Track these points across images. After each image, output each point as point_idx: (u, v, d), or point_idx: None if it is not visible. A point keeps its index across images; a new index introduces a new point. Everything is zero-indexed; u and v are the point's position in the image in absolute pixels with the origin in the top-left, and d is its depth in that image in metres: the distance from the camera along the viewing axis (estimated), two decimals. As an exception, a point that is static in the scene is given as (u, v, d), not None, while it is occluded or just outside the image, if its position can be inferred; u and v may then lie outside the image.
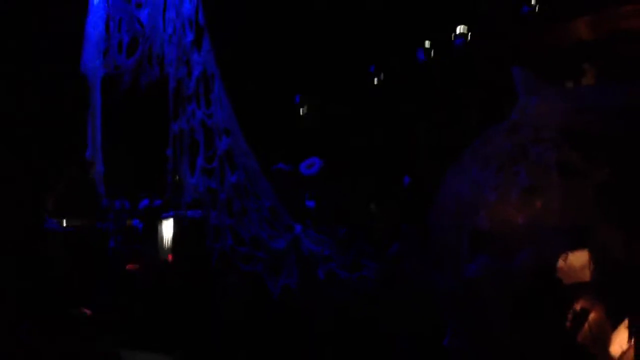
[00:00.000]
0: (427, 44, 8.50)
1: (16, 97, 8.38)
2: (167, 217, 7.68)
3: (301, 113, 9.67)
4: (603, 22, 7.20)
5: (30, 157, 8.08)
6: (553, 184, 5.50)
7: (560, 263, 5.28)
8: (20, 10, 8.42)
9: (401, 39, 8.40)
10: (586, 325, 4.92)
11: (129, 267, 7.49)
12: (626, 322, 4.79)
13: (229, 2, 8.39)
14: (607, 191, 5.26)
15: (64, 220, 7.24)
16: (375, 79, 8.66)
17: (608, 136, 5.37)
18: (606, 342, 4.89)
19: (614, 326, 4.87)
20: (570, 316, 4.96)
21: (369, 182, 8.24)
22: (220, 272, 7.57)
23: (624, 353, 4.78)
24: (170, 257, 7.72)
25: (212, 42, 7.83)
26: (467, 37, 8.32)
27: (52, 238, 7.15)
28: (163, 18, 7.90)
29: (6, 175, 7.63)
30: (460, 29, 8.09)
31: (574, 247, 5.33)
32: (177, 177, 7.69)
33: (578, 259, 5.22)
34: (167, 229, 7.63)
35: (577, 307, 4.95)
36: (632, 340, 4.79)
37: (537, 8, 7.80)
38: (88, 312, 5.80)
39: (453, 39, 8.36)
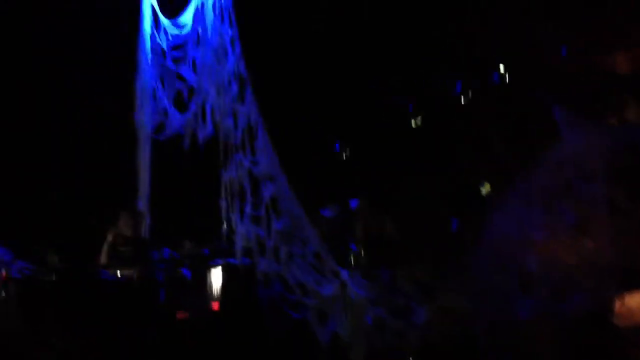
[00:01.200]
0: (501, 67, 8.32)
1: (70, 150, 8.76)
2: (215, 266, 7.80)
3: (344, 157, 9.77)
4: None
5: (84, 208, 8.40)
6: (602, 223, 5.41)
7: (618, 305, 5.15)
8: (73, 64, 8.87)
9: (437, 76, 8.44)
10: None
11: (179, 315, 7.59)
12: None
13: (269, 54, 8.63)
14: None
15: (117, 271, 7.42)
16: (413, 120, 8.71)
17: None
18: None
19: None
20: (633, 361, 4.80)
21: (414, 223, 8.21)
22: (270, 320, 7.61)
23: None
24: (217, 306, 7.80)
25: (254, 92, 8.05)
26: (506, 75, 8.32)
27: (105, 288, 7.35)
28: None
29: (60, 222, 7.95)
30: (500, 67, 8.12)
31: (629, 288, 5.20)
32: (227, 226, 7.83)
33: (635, 301, 5.08)
34: (216, 277, 7.74)
35: (637, 352, 4.79)
36: None
37: (577, 44, 7.78)
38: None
39: (492, 76, 8.36)
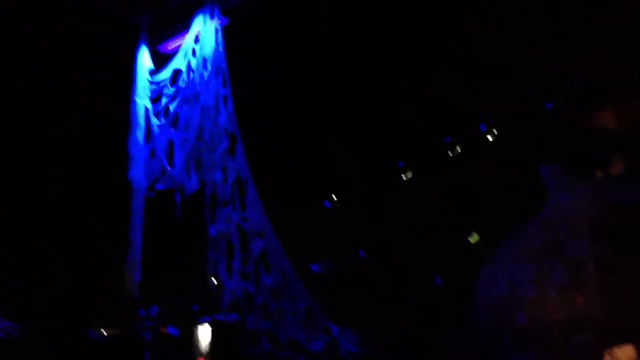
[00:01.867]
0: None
1: (62, 205, 8.70)
2: (203, 323, 7.71)
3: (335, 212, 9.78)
4: (627, 113, 7.30)
5: (72, 266, 8.30)
6: (591, 280, 5.48)
7: (608, 359, 5.18)
8: (68, 124, 8.90)
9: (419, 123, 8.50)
10: None
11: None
12: None
13: (259, 111, 8.72)
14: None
15: (104, 330, 7.32)
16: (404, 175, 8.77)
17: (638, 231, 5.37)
18: None
19: None
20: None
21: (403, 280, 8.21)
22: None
23: None
24: (205, 363, 7.68)
25: (245, 148, 8.10)
26: (493, 131, 8.44)
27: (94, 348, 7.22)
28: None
29: (49, 281, 7.83)
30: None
31: (618, 342, 5.23)
32: (214, 281, 7.76)
33: (624, 354, 5.12)
34: (204, 334, 7.64)
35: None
36: None
37: (561, 103, 7.95)
38: None
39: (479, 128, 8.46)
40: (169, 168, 8.44)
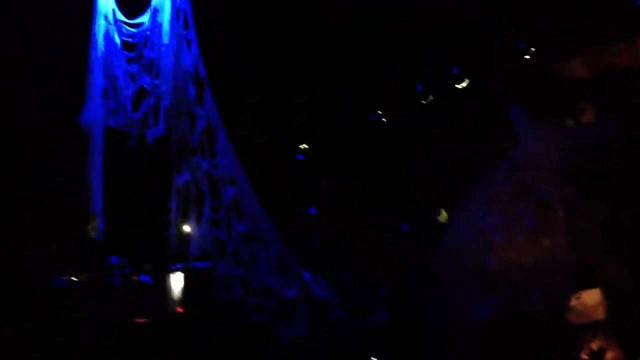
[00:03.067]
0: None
1: (17, 150, 8.47)
2: (175, 270, 7.67)
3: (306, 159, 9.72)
4: (596, 60, 7.31)
5: (33, 214, 8.13)
6: (558, 223, 5.54)
7: (574, 303, 5.27)
8: (21, 59, 8.58)
9: (395, 81, 8.44)
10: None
11: (137, 320, 7.46)
12: None
13: (230, 54, 8.52)
14: (608, 227, 5.29)
15: (71, 277, 7.24)
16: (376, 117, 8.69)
17: (605, 173, 5.42)
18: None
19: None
20: (586, 357, 4.91)
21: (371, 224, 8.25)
22: (229, 322, 7.53)
23: None
24: (179, 310, 7.69)
25: (214, 94, 7.93)
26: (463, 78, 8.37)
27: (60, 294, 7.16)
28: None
29: (10, 232, 7.68)
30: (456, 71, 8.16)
31: (585, 286, 5.33)
32: (184, 229, 7.69)
33: (591, 298, 5.23)
34: (176, 281, 7.62)
35: (594, 346, 4.91)
36: None
37: (532, 48, 7.89)
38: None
39: (446, 78, 8.39)
40: (130, 110, 8.20)
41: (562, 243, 5.54)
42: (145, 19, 8.28)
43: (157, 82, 7.93)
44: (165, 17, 7.79)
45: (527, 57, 7.64)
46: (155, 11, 7.95)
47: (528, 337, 5.50)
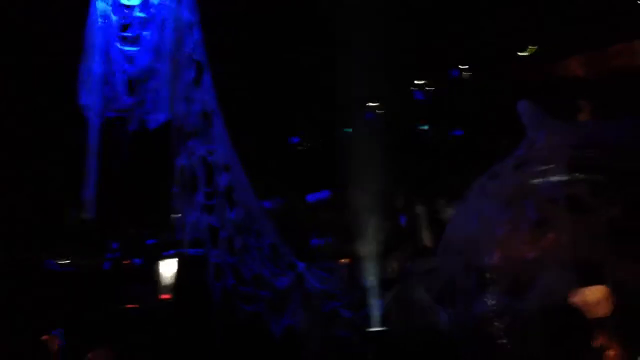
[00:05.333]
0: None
1: (15, 135, 8.29)
2: (168, 256, 7.54)
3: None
4: (595, 61, 7.34)
5: (29, 196, 7.96)
6: (563, 219, 5.50)
7: (575, 299, 5.23)
8: (19, 44, 8.38)
9: (400, 76, 8.46)
10: (605, 363, 4.84)
11: (128, 306, 7.32)
12: None
13: (230, 39, 8.40)
14: (618, 226, 5.26)
15: (63, 260, 7.08)
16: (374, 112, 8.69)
17: (615, 170, 5.41)
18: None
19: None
20: (587, 355, 4.88)
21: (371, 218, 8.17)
22: (222, 311, 7.42)
23: None
24: (170, 296, 7.55)
25: (212, 78, 7.82)
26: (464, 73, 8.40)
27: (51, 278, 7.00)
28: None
29: (5, 214, 7.50)
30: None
31: (587, 283, 5.30)
32: (177, 215, 7.57)
33: (593, 295, 5.18)
34: (169, 267, 7.48)
35: (596, 344, 4.87)
36: None
37: (534, 48, 7.92)
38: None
39: (450, 75, 8.44)
40: (125, 95, 8.04)
41: (567, 239, 5.49)
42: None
43: (158, 65, 7.81)
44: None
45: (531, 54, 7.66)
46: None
47: (527, 333, 5.46)
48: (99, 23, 8.18)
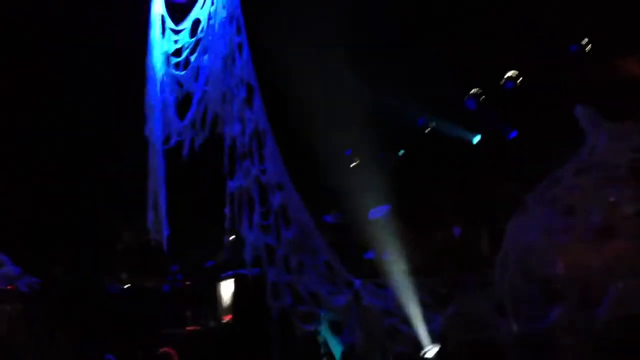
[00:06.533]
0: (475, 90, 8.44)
1: (84, 169, 8.53)
2: (226, 277, 7.60)
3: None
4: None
5: (96, 224, 8.14)
6: (629, 225, 5.30)
7: (643, 309, 5.02)
8: (89, 79, 8.67)
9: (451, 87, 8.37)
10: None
11: (188, 329, 7.39)
12: None
13: (277, 61, 8.49)
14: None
15: (126, 285, 7.22)
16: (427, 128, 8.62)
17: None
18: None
19: None
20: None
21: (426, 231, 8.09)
22: (280, 331, 7.42)
23: None
24: (229, 317, 7.60)
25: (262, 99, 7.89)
26: (517, 81, 8.26)
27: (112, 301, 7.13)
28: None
29: (71, 237, 7.71)
30: (510, 73, 8.06)
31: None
32: (235, 236, 7.63)
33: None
34: (227, 288, 7.54)
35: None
36: None
37: (587, 47, 7.72)
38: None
39: (503, 83, 8.31)
40: (179, 120, 8.20)
41: (633, 246, 5.28)
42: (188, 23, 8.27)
43: (206, 88, 7.94)
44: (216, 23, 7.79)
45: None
46: (209, 17, 7.96)
47: (599, 346, 5.24)
48: (159, 56, 8.43)
